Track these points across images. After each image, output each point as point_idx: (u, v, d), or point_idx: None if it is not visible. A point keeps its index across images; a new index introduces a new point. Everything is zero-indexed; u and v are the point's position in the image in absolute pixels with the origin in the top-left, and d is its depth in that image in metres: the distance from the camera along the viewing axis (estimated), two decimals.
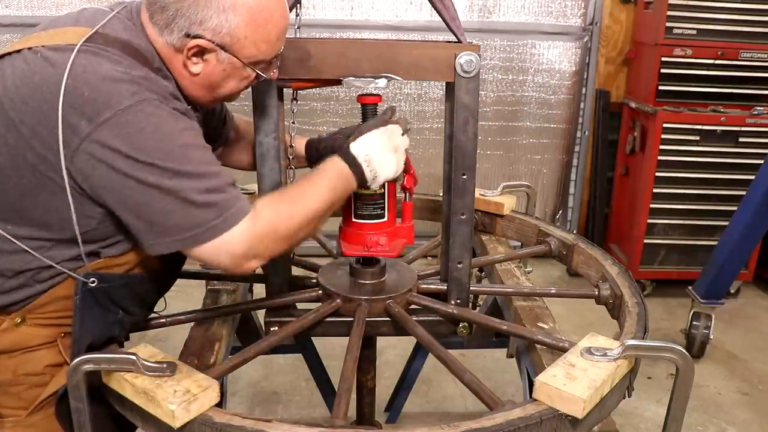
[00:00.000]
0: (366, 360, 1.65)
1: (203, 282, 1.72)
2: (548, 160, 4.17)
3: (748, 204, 2.75)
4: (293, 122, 1.45)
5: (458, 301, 1.50)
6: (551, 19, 3.92)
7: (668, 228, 3.64)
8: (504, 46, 3.91)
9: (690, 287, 3.10)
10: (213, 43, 1.13)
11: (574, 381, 1.04)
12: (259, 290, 1.61)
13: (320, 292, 1.51)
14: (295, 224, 1.19)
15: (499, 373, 2.86)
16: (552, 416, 1.03)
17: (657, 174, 3.52)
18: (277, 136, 1.36)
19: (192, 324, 1.47)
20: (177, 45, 1.15)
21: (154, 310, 1.42)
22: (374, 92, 1.39)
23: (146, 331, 1.46)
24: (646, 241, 3.64)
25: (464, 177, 1.40)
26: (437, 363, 1.33)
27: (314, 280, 1.55)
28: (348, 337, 1.34)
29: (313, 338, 2.24)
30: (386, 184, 1.40)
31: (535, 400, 1.06)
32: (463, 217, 1.43)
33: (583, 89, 4.04)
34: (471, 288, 1.52)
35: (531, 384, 1.16)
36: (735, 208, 2.87)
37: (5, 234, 1.15)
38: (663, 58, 3.47)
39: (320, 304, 1.48)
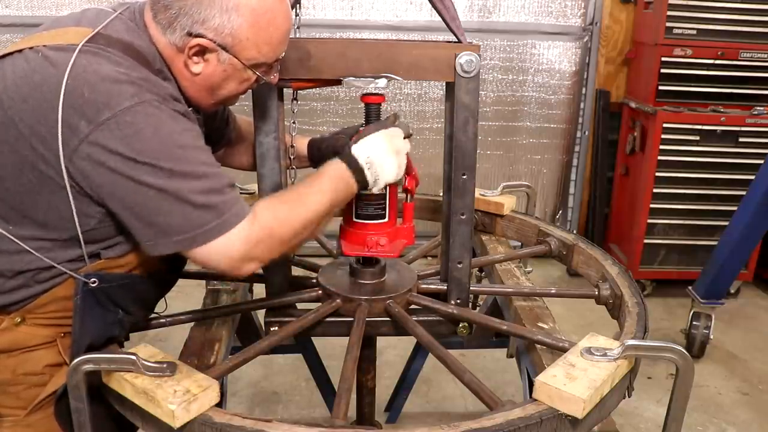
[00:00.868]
0: (366, 360, 1.65)
1: (203, 282, 1.72)
2: (548, 160, 4.17)
3: (748, 204, 2.75)
4: (293, 122, 1.45)
5: (458, 301, 1.50)
6: (551, 19, 3.92)
7: (668, 228, 3.64)
8: (504, 46, 3.91)
9: (690, 287, 3.10)
10: (214, 42, 1.13)
11: (574, 381, 1.04)
12: (259, 290, 1.61)
13: (320, 292, 1.51)
14: (293, 227, 1.19)
15: (499, 373, 2.86)
16: (552, 416, 1.03)
17: (657, 174, 3.52)
18: (278, 136, 1.36)
19: (192, 324, 1.47)
20: (179, 44, 1.15)
21: (154, 310, 1.42)
22: (376, 92, 1.39)
23: (146, 331, 1.46)
24: (646, 241, 3.64)
25: (464, 177, 1.40)
26: (437, 363, 1.33)
27: (314, 280, 1.55)
28: (348, 337, 1.34)
29: (313, 338, 2.24)
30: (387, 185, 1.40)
31: (535, 400, 1.06)
32: (463, 217, 1.43)
33: (583, 89, 4.04)
34: (471, 288, 1.52)
35: (531, 384, 1.16)
36: (735, 208, 2.87)
37: (6, 234, 1.15)
38: (663, 58, 3.47)
39: (320, 304, 1.48)
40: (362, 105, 1.43)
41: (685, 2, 3.37)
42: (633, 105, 3.75)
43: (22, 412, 1.22)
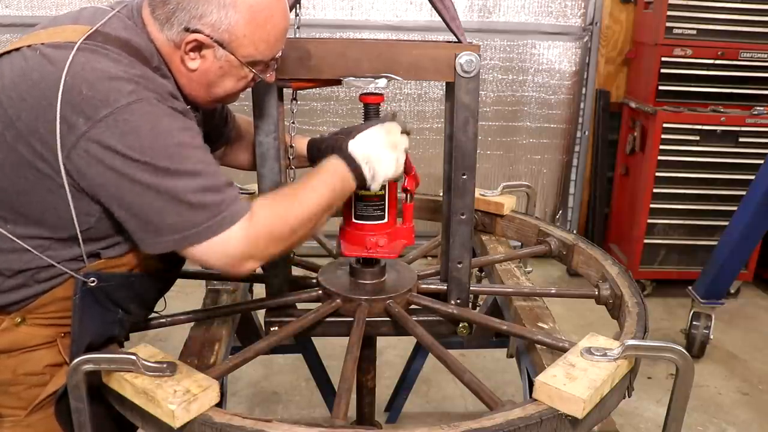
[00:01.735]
0: (366, 360, 1.65)
1: (203, 282, 1.72)
2: (548, 160, 4.17)
3: (748, 204, 2.75)
4: (293, 122, 1.45)
5: (458, 301, 1.50)
6: (551, 19, 3.92)
7: (668, 228, 3.64)
8: (504, 46, 3.91)
9: (690, 287, 3.10)
10: (211, 38, 1.13)
11: (574, 381, 1.04)
12: (259, 290, 1.61)
13: (320, 292, 1.51)
14: (291, 225, 1.19)
15: (499, 373, 2.86)
16: (552, 416, 1.03)
17: (657, 174, 3.52)
18: (277, 136, 1.36)
19: (192, 324, 1.47)
20: (176, 40, 1.15)
21: (154, 310, 1.42)
22: (375, 92, 1.39)
23: (146, 331, 1.46)
24: (646, 241, 3.64)
25: (464, 177, 1.40)
26: (437, 363, 1.33)
27: (314, 280, 1.55)
28: (348, 337, 1.34)
29: (313, 338, 2.24)
30: (387, 184, 1.40)
31: (535, 400, 1.06)
32: (463, 217, 1.43)
33: (583, 89, 4.04)
34: (471, 288, 1.52)
35: (531, 384, 1.16)
36: (735, 208, 2.87)
37: (5, 232, 1.15)
38: (663, 58, 3.47)
39: (320, 304, 1.48)
40: (362, 105, 1.43)
41: (685, 2, 3.37)
42: (633, 105, 3.76)
43: (22, 413, 1.22)
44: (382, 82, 1.32)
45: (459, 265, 1.47)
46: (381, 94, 1.40)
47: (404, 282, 1.52)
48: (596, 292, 1.54)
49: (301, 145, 1.57)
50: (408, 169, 1.40)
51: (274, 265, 1.45)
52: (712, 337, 3.05)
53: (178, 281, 1.45)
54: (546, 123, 4.09)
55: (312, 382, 2.44)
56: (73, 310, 1.18)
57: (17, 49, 1.14)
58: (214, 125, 1.52)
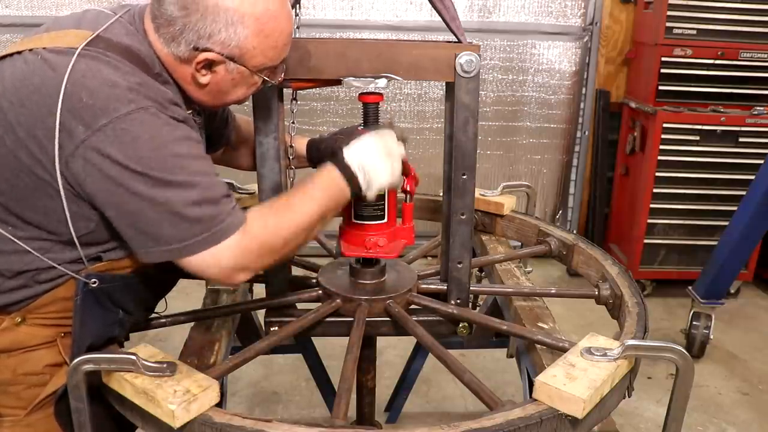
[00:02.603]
0: (366, 360, 1.65)
1: (203, 282, 1.72)
2: (548, 160, 4.17)
3: (748, 204, 2.75)
4: (293, 122, 1.45)
5: (458, 301, 1.50)
6: (551, 19, 3.92)
7: (668, 228, 3.64)
8: (504, 46, 3.91)
9: (690, 287, 3.10)
10: (222, 55, 1.13)
11: (574, 381, 1.04)
12: (259, 290, 1.61)
13: (320, 292, 1.51)
14: (284, 237, 1.18)
15: (499, 373, 2.86)
16: (552, 416, 1.03)
17: (657, 174, 3.52)
18: (278, 136, 1.36)
19: (192, 324, 1.47)
20: (184, 56, 1.15)
21: (155, 310, 1.42)
22: (374, 91, 1.39)
23: (146, 331, 1.46)
24: (646, 241, 3.64)
25: (464, 177, 1.40)
26: (437, 363, 1.33)
27: (314, 280, 1.55)
28: (348, 337, 1.34)
29: (313, 338, 2.24)
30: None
31: (535, 400, 1.06)
32: (463, 217, 1.43)
33: (583, 89, 4.04)
34: (471, 288, 1.52)
35: (531, 384, 1.16)
36: (735, 208, 2.87)
37: (6, 234, 1.15)
38: (663, 58, 3.47)
39: (320, 304, 1.48)
40: (362, 104, 1.43)
41: (685, 2, 3.37)
42: (633, 105, 3.75)
43: (22, 412, 1.22)
44: (382, 82, 1.32)
45: (459, 265, 1.47)
46: (380, 94, 1.40)
47: (404, 282, 1.52)
48: (596, 292, 1.54)
49: (301, 145, 1.57)
50: (407, 171, 1.40)
51: (274, 265, 1.45)
52: (712, 337, 3.05)
53: (179, 281, 1.44)
54: (546, 123, 4.09)
55: (312, 382, 2.44)
56: (74, 311, 1.18)
57: (19, 53, 1.13)
58: (215, 127, 1.52)
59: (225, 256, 1.12)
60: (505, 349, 2.24)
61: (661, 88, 3.52)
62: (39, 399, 1.22)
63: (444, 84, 1.38)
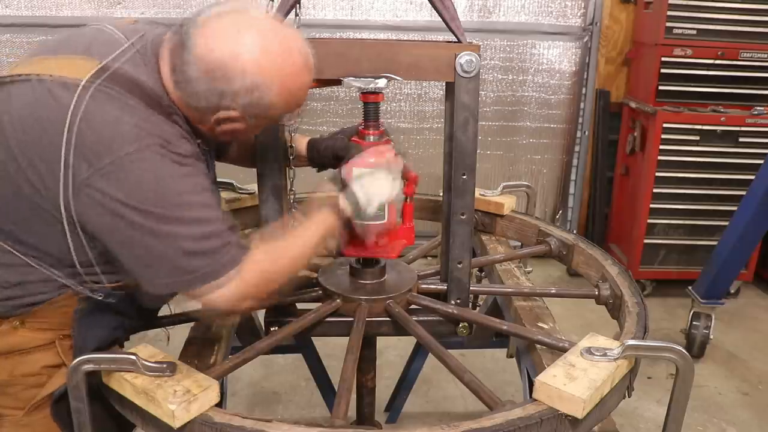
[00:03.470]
0: (366, 360, 1.65)
1: None
2: (548, 160, 4.17)
3: (748, 204, 2.75)
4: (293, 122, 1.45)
5: (458, 301, 1.50)
6: (551, 19, 3.91)
7: (668, 228, 3.64)
8: (504, 46, 3.91)
9: (690, 287, 3.10)
10: (244, 115, 1.14)
11: (574, 381, 1.04)
12: None
13: (320, 292, 1.51)
14: (285, 271, 1.23)
15: (499, 373, 2.86)
16: (552, 416, 1.03)
17: (657, 174, 3.52)
18: (278, 136, 1.36)
19: (192, 324, 1.46)
20: (201, 109, 1.14)
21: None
22: (376, 90, 1.39)
23: (146, 331, 1.46)
24: (646, 241, 3.64)
25: (464, 177, 1.40)
26: (437, 363, 1.33)
27: (314, 280, 1.55)
28: (348, 337, 1.34)
29: (313, 338, 2.24)
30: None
31: (535, 400, 1.06)
32: (463, 217, 1.43)
33: (583, 89, 4.04)
34: (471, 288, 1.52)
35: (531, 384, 1.16)
36: (735, 208, 2.87)
37: (9, 248, 1.15)
38: (663, 58, 3.46)
39: (320, 304, 1.48)
40: (362, 105, 1.43)
41: (685, 2, 3.37)
42: (633, 105, 3.75)
43: (20, 413, 1.22)
44: (382, 82, 1.32)
45: (459, 265, 1.47)
46: (381, 93, 1.40)
47: (404, 282, 1.52)
48: (596, 292, 1.54)
49: (301, 145, 1.57)
50: (405, 175, 1.41)
51: None
52: (712, 337, 3.05)
53: None
54: (546, 123, 4.08)
55: (312, 382, 2.44)
56: (76, 321, 1.19)
57: (27, 79, 1.11)
58: (221, 142, 1.52)
59: (229, 289, 1.13)
60: (505, 349, 2.24)
61: (661, 88, 3.52)
62: (37, 399, 1.22)
63: (444, 84, 1.38)
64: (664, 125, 3.44)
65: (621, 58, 4.02)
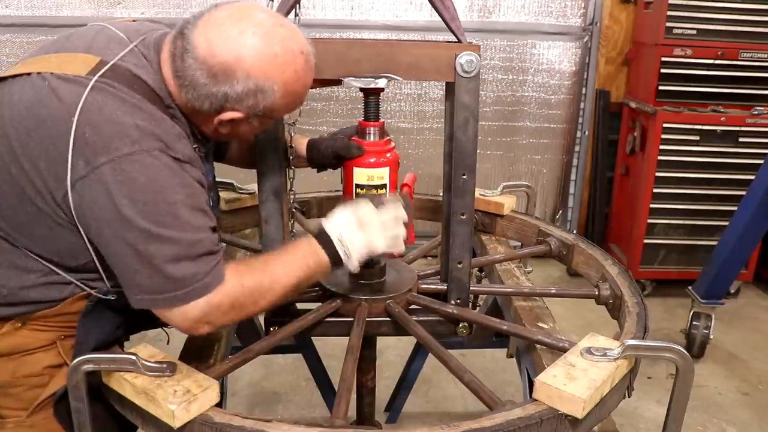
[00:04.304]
0: (366, 360, 1.65)
1: None
2: (548, 160, 4.17)
3: (748, 204, 2.75)
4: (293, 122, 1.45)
5: (458, 301, 1.50)
6: (551, 19, 3.92)
7: (668, 228, 3.64)
8: (504, 46, 3.91)
9: (690, 287, 3.10)
10: (248, 116, 1.14)
11: (574, 381, 1.04)
12: None
13: (320, 292, 1.51)
14: (256, 298, 1.17)
15: (499, 373, 2.86)
16: (552, 416, 1.03)
17: (657, 174, 3.52)
18: (277, 136, 1.36)
19: None
20: (204, 111, 1.13)
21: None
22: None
23: (146, 331, 1.46)
24: (646, 241, 3.64)
25: (464, 177, 1.40)
26: (437, 363, 1.33)
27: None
28: (348, 337, 1.34)
29: (313, 338, 2.24)
30: (387, 184, 1.40)
31: (535, 400, 1.06)
32: (463, 217, 1.43)
33: (583, 89, 4.04)
34: (471, 288, 1.52)
35: (531, 384, 1.16)
36: (735, 208, 2.87)
37: (14, 250, 1.15)
38: (663, 58, 3.47)
39: (320, 304, 1.48)
40: (362, 105, 1.43)
41: (685, 2, 3.37)
42: (633, 105, 3.75)
43: (23, 413, 1.22)
44: (382, 82, 1.32)
45: (459, 265, 1.47)
46: (381, 88, 1.40)
47: (404, 282, 1.52)
48: (596, 292, 1.54)
49: (301, 145, 1.57)
50: (403, 185, 1.43)
51: None
52: (712, 337, 3.05)
53: None
54: (546, 123, 4.09)
55: (312, 382, 2.44)
56: (80, 321, 1.19)
57: (28, 74, 1.11)
58: (220, 142, 1.52)
59: (194, 312, 1.10)
60: (505, 349, 2.24)
61: (661, 88, 3.52)
62: (40, 400, 1.22)
63: (444, 84, 1.38)
64: (664, 125, 3.44)
65: (621, 58, 4.02)
